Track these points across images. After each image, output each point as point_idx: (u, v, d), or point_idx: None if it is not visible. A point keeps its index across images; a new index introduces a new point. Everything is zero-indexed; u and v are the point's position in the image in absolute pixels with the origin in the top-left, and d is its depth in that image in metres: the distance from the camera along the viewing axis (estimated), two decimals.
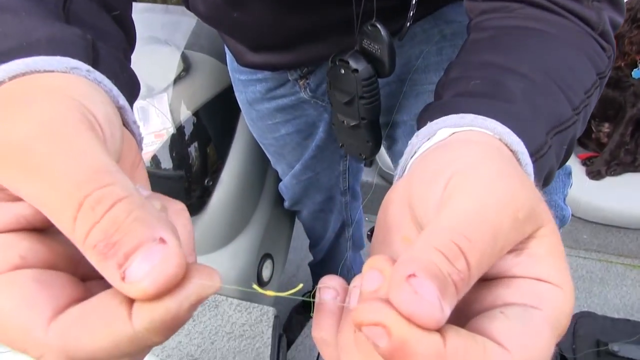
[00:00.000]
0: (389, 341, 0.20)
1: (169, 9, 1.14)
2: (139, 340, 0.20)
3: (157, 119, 0.98)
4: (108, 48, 0.34)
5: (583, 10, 0.45)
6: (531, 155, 0.32)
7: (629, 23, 1.67)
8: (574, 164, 1.91)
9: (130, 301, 0.21)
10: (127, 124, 0.31)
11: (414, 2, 0.62)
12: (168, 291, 0.20)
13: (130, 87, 0.35)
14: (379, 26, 0.62)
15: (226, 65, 1.03)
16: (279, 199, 1.24)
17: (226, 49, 0.94)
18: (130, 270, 0.20)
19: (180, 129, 0.99)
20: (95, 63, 0.31)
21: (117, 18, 0.41)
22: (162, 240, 0.20)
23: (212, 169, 1.04)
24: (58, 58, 0.28)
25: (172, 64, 1.01)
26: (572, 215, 1.97)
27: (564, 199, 0.66)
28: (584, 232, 1.94)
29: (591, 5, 0.46)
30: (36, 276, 0.22)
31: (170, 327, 0.21)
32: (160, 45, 1.03)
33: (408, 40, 0.78)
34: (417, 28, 0.78)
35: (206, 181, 1.03)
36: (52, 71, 0.27)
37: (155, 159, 0.98)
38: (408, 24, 0.64)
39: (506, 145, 0.31)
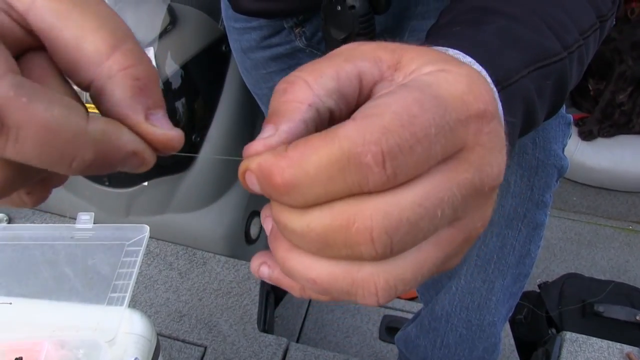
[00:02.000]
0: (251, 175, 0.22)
1: None
2: (81, 141, 0.20)
3: None
4: None
5: None
6: (496, 83, 0.31)
7: None
8: None
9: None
10: None
11: None
12: (161, 146, 0.23)
13: None
14: None
15: (213, 18, 1.00)
16: None
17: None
18: (154, 118, 0.22)
19: (166, 84, 0.97)
20: None
21: None
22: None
23: (199, 125, 1.02)
24: None
25: (158, 17, 0.98)
26: (562, 177, 1.98)
27: (563, 149, 0.65)
28: (573, 194, 1.94)
29: None
30: None
31: (102, 152, 0.21)
32: None
33: None
34: None
35: (193, 137, 1.01)
36: None
37: None
38: None
39: None
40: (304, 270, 0.23)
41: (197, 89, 1.01)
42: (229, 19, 0.93)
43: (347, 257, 0.22)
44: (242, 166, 0.22)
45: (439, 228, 0.22)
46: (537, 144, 0.61)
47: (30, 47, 0.22)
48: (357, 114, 0.21)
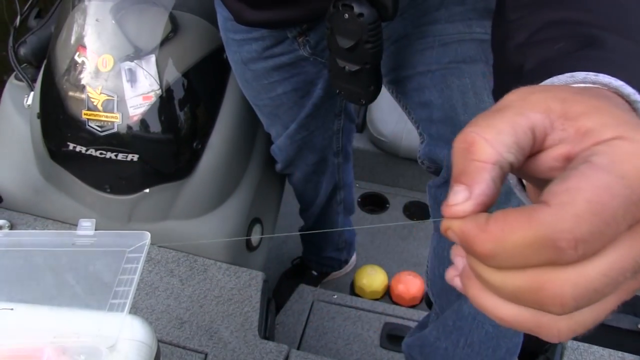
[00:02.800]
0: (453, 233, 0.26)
1: None
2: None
3: (145, 81, 0.96)
4: None
5: None
6: None
7: None
8: None
9: None
10: None
11: None
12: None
13: None
14: None
15: (215, 26, 1.01)
16: (269, 163, 1.23)
17: (218, 8, 0.92)
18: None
19: (168, 91, 0.97)
20: None
21: None
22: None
23: (201, 132, 1.02)
24: None
25: (160, 25, 0.99)
26: None
27: None
28: None
29: None
30: None
31: None
32: (147, 5, 1.00)
33: None
34: None
35: (195, 144, 1.02)
36: None
37: (143, 122, 0.97)
38: None
39: (622, 96, 0.31)
40: (492, 309, 0.26)
41: (198, 96, 1.02)
42: (228, 31, 0.93)
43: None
44: (445, 224, 0.26)
45: (620, 287, 0.25)
46: None
47: None
48: (551, 198, 0.23)
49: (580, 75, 0.32)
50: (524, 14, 0.41)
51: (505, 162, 0.25)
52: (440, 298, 0.91)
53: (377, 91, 0.76)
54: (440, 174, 0.78)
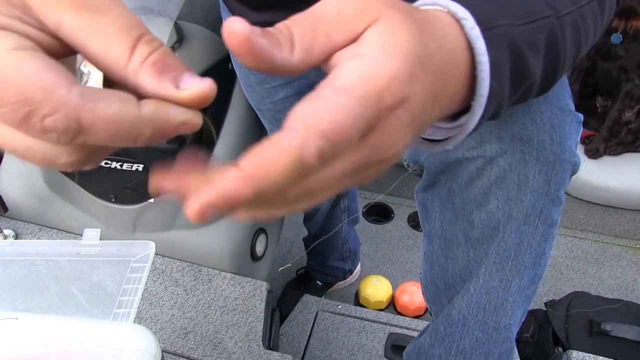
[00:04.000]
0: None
1: None
2: (138, 124, 0.26)
3: None
4: None
5: None
6: (479, 23, 0.34)
7: None
8: None
9: (139, 98, 0.26)
10: None
11: None
12: (199, 102, 0.27)
13: None
14: None
15: (220, 36, 1.02)
16: None
17: (223, 14, 0.94)
18: (183, 82, 0.26)
19: None
20: None
21: None
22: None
23: (206, 142, 1.03)
24: None
25: (165, 35, 0.99)
26: (569, 195, 1.96)
27: (575, 146, 0.66)
28: (580, 212, 1.93)
29: None
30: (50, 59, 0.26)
31: (157, 128, 0.27)
32: (153, 16, 1.01)
33: None
34: None
35: (199, 154, 1.02)
36: None
37: None
38: None
39: (452, 15, 0.34)
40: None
41: (203, 108, 1.02)
42: None
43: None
44: (196, 204, 0.26)
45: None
46: (554, 140, 0.62)
47: (69, 54, 0.27)
48: (298, 122, 0.26)
49: None
50: None
51: None
52: (434, 303, 0.91)
53: None
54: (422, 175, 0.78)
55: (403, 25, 0.29)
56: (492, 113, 0.39)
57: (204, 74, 1.01)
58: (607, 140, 1.86)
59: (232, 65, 1.00)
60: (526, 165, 0.62)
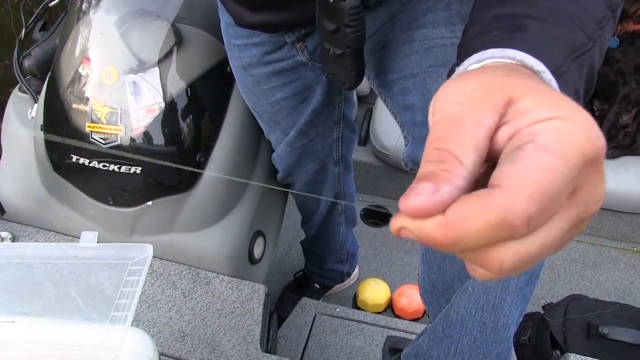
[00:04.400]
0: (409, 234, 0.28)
1: None
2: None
3: (149, 94, 0.96)
4: None
5: None
6: (552, 73, 0.36)
7: None
8: None
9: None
10: None
11: None
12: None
13: None
14: None
15: (218, 39, 1.02)
16: (272, 175, 1.23)
17: (221, 15, 0.94)
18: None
19: (172, 104, 0.98)
20: None
21: None
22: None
23: (204, 145, 1.02)
24: None
25: (164, 38, 0.99)
26: None
27: None
28: None
29: None
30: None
31: None
32: (151, 18, 1.01)
33: None
34: None
35: (198, 157, 1.02)
36: None
37: (146, 134, 0.97)
38: None
39: (528, 68, 0.35)
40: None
41: (201, 109, 1.02)
42: (230, 37, 0.95)
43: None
44: (398, 223, 0.29)
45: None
46: None
47: None
48: (503, 181, 0.27)
49: (489, 51, 0.36)
50: (480, 11, 0.45)
51: (470, 176, 0.28)
52: (432, 305, 0.91)
53: (359, 76, 0.79)
54: None
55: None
56: None
57: (202, 76, 1.01)
58: (605, 143, 1.86)
59: (229, 68, 1.00)
60: None
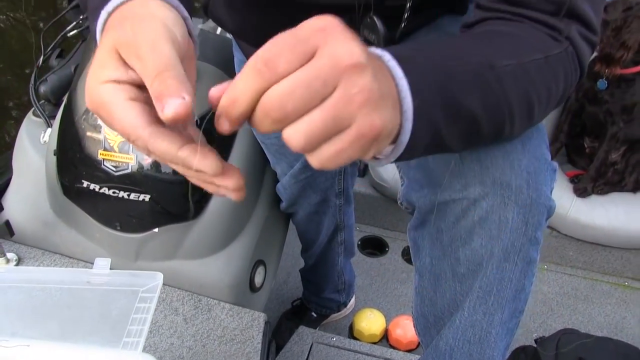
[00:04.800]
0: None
1: None
2: (177, 160, 0.44)
3: None
4: None
5: (551, 19, 0.61)
6: (397, 58, 0.46)
7: (612, 33, 1.72)
8: (562, 181, 1.95)
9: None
10: (190, 32, 0.52)
11: (408, 5, 0.71)
12: (175, 122, 0.40)
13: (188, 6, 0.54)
14: (375, 19, 0.72)
15: (229, 75, 1.06)
16: (275, 203, 1.26)
17: (235, 52, 0.99)
18: (165, 106, 0.40)
19: None
20: None
21: None
22: (183, 97, 0.40)
23: None
24: None
25: None
26: (559, 232, 1.99)
27: (551, 191, 0.72)
28: (570, 249, 1.97)
29: (562, 20, 0.61)
30: (142, 105, 0.43)
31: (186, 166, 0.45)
32: None
33: None
34: (422, 38, 0.83)
35: None
36: None
37: (156, 164, 1.00)
38: (403, 24, 0.74)
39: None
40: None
41: (210, 141, 1.05)
42: None
43: None
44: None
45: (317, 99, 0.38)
46: (530, 185, 0.67)
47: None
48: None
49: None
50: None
51: None
52: (424, 336, 0.94)
53: None
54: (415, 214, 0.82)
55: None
56: (432, 137, 0.50)
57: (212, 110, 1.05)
58: (595, 180, 1.91)
59: None
60: (506, 208, 0.67)
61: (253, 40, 0.90)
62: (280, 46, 0.38)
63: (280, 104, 0.38)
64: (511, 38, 0.60)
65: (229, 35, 1.11)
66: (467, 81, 0.52)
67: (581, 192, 1.91)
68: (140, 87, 0.44)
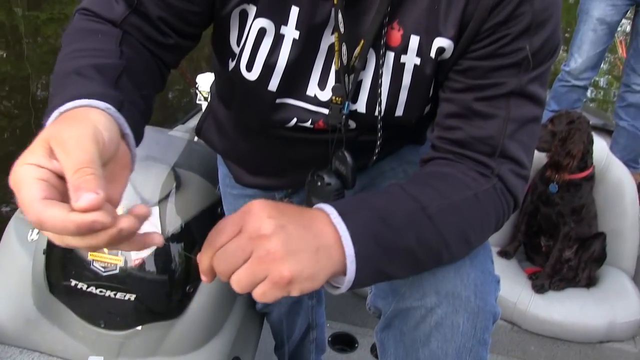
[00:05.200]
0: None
1: (163, 130, 1.29)
2: (67, 223, 0.46)
3: (149, 229, 1.09)
4: (129, 104, 0.62)
5: (486, 159, 0.75)
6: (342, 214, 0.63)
7: (559, 143, 1.91)
8: (521, 278, 2.06)
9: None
10: (128, 144, 0.60)
11: (378, 142, 0.84)
12: (90, 209, 0.46)
13: (138, 126, 0.65)
14: (345, 153, 0.86)
15: (212, 184, 1.18)
16: (251, 303, 1.34)
17: (220, 166, 1.10)
18: (80, 198, 0.46)
19: (168, 240, 1.11)
20: (120, 108, 0.59)
21: (144, 96, 0.71)
22: (97, 193, 0.47)
23: (194, 277, 1.14)
24: (97, 102, 0.57)
25: (165, 180, 1.14)
26: (520, 327, 2.07)
27: (495, 299, 0.81)
28: (531, 344, 2.04)
29: (496, 159, 0.75)
30: (47, 185, 0.48)
31: (79, 226, 0.47)
32: (154, 162, 1.17)
33: (379, 175, 0.97)
34: (386, 166, 0.97)
35: (188, 288, 1.13)
36: (94, 107, 0.56)
37: (143, 266, 1.09)
38: (375, 157, 0.88)
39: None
40: None
41: (193, 245, 1.15)
42: (226, 186, 1.11)
43: None
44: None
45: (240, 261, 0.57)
46: (477, 296, 0.78)
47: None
48: None
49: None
50: None
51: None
52: None
53: None
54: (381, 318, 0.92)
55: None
56: (376, 272, 0.66)
57: (196, 216, 1.15)
58: (551, 276, 2.04)
59: (220, 209, 1.15)
60: (457, 315, 0.77)
61: (240, 162, 1.03)
62: (220, 228, 0.59)
63: (218, 265, 0.58)
64: (447, 178, 0.74)
65: None
66: (402, 224, 0.67)
67: (539, 288, 2.02)
68: (61, 177, 0.49)
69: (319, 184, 0.88)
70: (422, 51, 0.78)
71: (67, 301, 1.16)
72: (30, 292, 1.23)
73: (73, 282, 1.12)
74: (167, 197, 1.13)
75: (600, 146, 2.06)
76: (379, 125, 0.83)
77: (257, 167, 1.02)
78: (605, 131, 3.20)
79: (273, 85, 0.82)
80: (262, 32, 0.78)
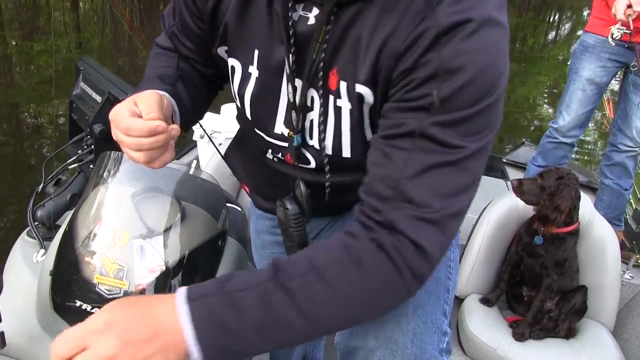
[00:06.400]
0: None
1: (170, 165, 1.38)
2: (144, 128, 0.86)
3: (153, 257, 1.17)
4: (179, 96, 1.05)
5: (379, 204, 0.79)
6: (190, 299, 0.75)
7: (547, 197, 2.01)
8: (502, 325, 2.13)
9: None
10: (175, 118, 1.01)
11: (328, 176, 0.96)
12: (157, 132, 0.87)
13: (183, 111, 1.04)
14: (300, 182, 0.99)
15: (214, 217, 1.26)
16: None
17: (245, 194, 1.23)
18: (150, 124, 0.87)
19: (170, 268, 1.19)
20: (172, 96, 1.01)
21: (193, 97, 1.11)
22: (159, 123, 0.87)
23: None
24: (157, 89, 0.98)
25: (169, 212, 1.23)
26: None
27: (440, 351, 0.85)
28: None
29: (391, 203, 0.75)
30: (132, 112, 0.89)
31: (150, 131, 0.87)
32: (161, 194, 1.26)
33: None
34: (324, 234, 1.16)
35: None
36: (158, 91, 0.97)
37: (144, 290, 1.16)
38: (327, 191, 0.99)
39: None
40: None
41: (194, 273, 1.23)
42: (254, 207, 1.24)
43: None
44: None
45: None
46: (415, 344, 0.83)
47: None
48: None
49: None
50: None
51: None
52: None
53: None
54: None
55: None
56: (225, 350, 0.71)
57: (198, 247, 1.24)
58: (532, 325, 2.11)
59: (221, 242, 1.24)
60: (394, 359, 0.83)
61: (253, 187, 1.20)
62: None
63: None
64: (327, 244, 0.79)
65: (214, 181, 1.32)
66: (251, 304, 0.72)
67: (519, 336, 2.09)
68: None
69: (282, 209, 1.01)
70: (351, 96, 0.85)
71: (70, 320, 1.23)
72: (34, 311, 1.30)
73: (78, 303, 1.19)
74: (171, 227, 1.21)
75: (585, 203, 2.17)
76: (325, 161, 0.93)
77: (265, 193, 1.15)
78: (589, 188, 3.32)
79: (249, 114, 1.00)
80: (233, 69, 0.98)
